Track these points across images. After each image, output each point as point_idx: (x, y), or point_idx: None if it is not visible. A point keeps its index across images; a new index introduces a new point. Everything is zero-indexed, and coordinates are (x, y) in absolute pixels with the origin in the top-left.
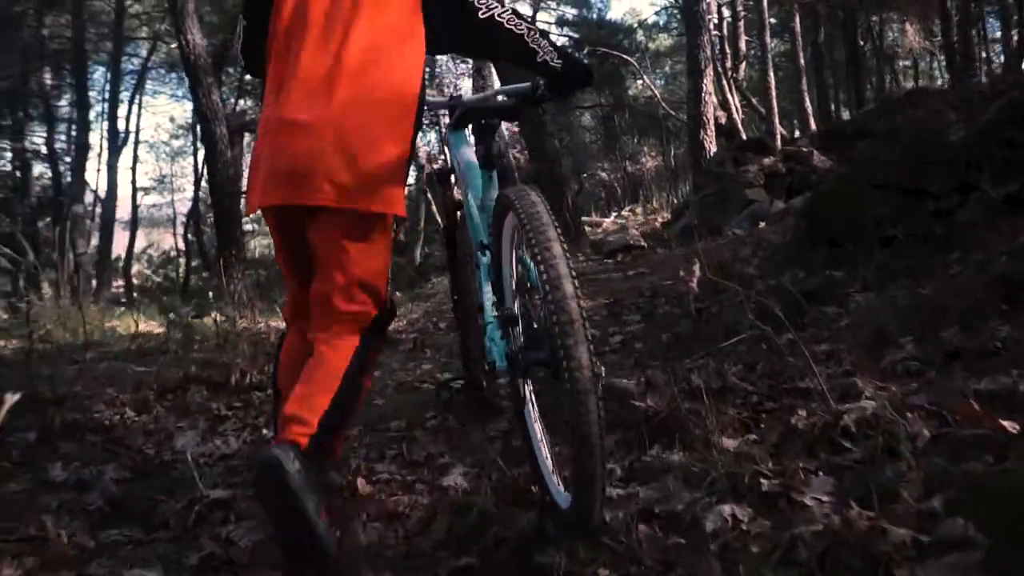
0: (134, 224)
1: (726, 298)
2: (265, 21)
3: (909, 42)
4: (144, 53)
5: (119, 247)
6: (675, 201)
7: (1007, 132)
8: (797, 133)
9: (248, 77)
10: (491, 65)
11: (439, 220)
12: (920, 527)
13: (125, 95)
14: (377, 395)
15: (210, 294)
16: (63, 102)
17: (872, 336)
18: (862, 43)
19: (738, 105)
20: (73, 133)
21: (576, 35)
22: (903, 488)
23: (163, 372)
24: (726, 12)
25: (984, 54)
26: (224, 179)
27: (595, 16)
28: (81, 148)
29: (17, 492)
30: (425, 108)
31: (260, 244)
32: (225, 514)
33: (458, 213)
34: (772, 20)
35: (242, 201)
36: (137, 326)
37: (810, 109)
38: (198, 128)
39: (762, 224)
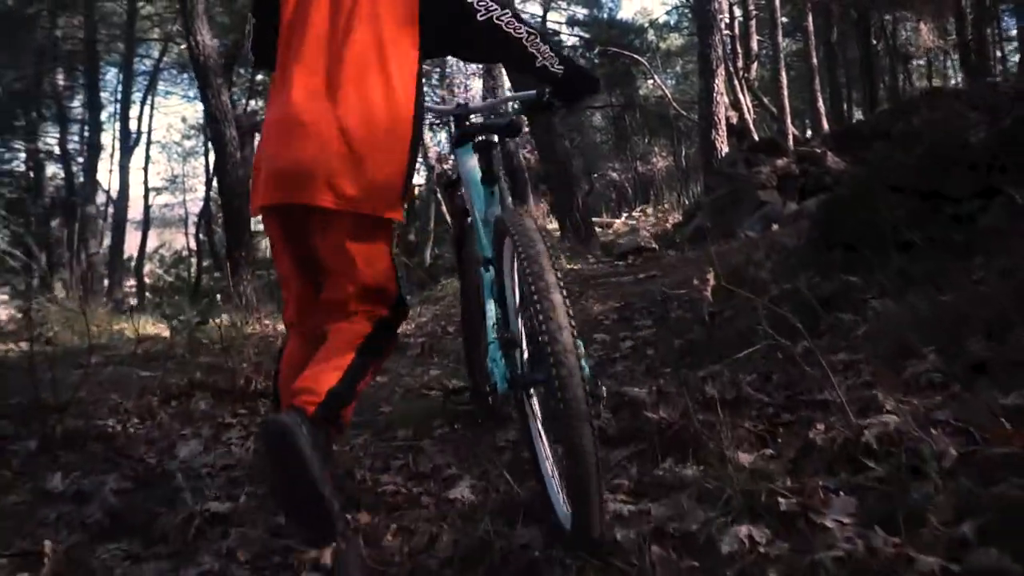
0: (146, 224)
1: (740, 303)
2: (274, 19)
3: (923, 41)
4: (156, 54)
5: (131, 247)
6: (686, 202)
7: None
8: (809, 133)
9: (260, 77)
10: (501, 66)
11: (449, 221)
12: (950, 555)
13: (137, 96)
14: (384, 402)
15: (218, 297)
16: (76, 103)
17: (892, 346)
18: (875, 42)
19: (750, 105)
20: (86, 134)
21: (587, 35)
22: (930, 512)
23: (168, 378)
24: (738, 11)
25: (999, 53)
26: (234, 180)
27: (606, 16)
28: (93, 148)
29: (17, 504)
30: (431, 114)
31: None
32: (225, 529)
33: (468, 219)
34: (784, 19)
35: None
36: (138, 332)
37: (823, 109)
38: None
39: (775, 226)
